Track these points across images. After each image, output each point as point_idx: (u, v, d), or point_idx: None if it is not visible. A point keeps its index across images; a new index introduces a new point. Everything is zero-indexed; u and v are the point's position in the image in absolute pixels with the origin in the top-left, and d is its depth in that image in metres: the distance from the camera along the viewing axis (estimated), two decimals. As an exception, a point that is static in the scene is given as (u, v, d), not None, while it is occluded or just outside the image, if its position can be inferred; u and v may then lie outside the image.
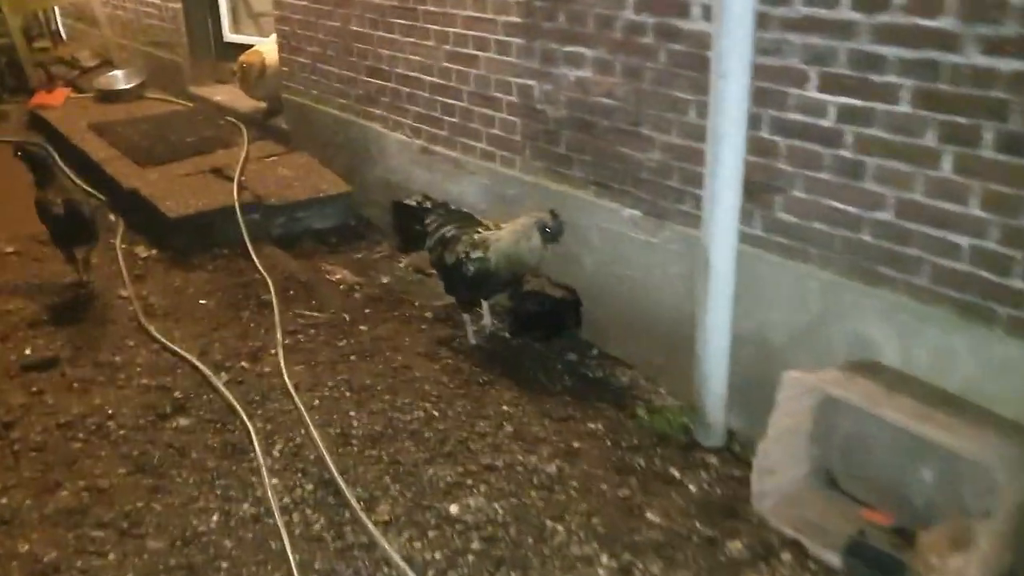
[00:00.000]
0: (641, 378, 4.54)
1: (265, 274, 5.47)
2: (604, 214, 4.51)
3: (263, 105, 7.45)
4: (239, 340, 4.80)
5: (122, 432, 4.05)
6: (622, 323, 4.59)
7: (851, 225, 3.48)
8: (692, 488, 3.73)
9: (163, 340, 4.76)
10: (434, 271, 4.97)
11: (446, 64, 5.27)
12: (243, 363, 4.58)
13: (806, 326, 3.72)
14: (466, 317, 4.84)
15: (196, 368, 4.51)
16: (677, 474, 3.81)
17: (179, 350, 4.65)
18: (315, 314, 5.11)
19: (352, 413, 4.17)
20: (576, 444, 3.98)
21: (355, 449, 3.92)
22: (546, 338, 4.79)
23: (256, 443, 3.91)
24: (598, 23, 4.27)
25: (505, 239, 4.51)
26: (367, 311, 5.17)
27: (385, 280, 5.62)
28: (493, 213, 5.13)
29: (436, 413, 4.18)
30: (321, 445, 3.87)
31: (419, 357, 4.67)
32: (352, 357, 4.65)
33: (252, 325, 4.97)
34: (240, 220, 5.85)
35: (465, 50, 5.09)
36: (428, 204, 4.89)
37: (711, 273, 3.78)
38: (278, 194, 6.15)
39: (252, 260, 5.65)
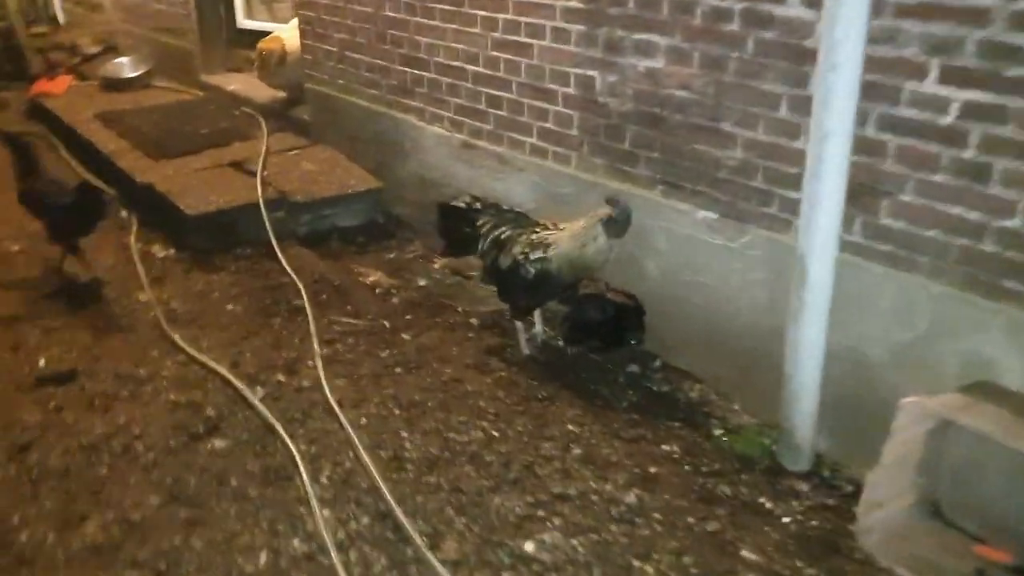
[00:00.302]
0: (712, 393, 4.20)
1: (295, 276, 5.10)
2: (673, 216, 4.15)
3: (282, 95, 7.07)
4: (272, 350, 4.43)
5: (152, 455, 3.68)
6: (690, 333, 4.24)
7: (972, 233, 3.14)
8: (786, 520, 3.39)
9: (190, 350, 4.39)
10: (483, 275, 4.60)
11: (494, 53, 4.90)
12: (279, 376, 4.21)
13: (910, 343, 3.38)
14: (519, 325, 4.48)
15: (228, 382, 4.14)
16: (768, 504, 3.47)
17: (208, 361, 4.28)
18: (352, 321, 4.74)
19: (403, 433, 3.80)
20: (653, 469, 3.63)
21: (411, 475, 3.56)
22: (604, 348, 4.43)
23: (302, 468, 3.54)
24: (674, 9, 3.90)
25: (567, 241, 4.15)
26: (408, 317, 4.80)
27: (422, 283, 5.25)
28: (544, 213, 4.76)
29: (495, 433, 3.82)
30: (374, 471, 3.51)
31: (469, 369, 4.31)
32: (397, 369, 4.29)
33: (285, 333, 4.60)
34: (265, 218, 5.46)
35: (516, 38, 4.71)
36: (478, 205, 4.52)
37: (807, 283, 3.43)
38: (303, 190, 5.77)
39: (278, 261, 5.28)
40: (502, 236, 4.34)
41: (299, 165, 6.13)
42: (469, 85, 5.14)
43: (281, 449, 3.70)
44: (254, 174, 5.85)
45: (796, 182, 3.62)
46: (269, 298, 4.95)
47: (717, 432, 3.91)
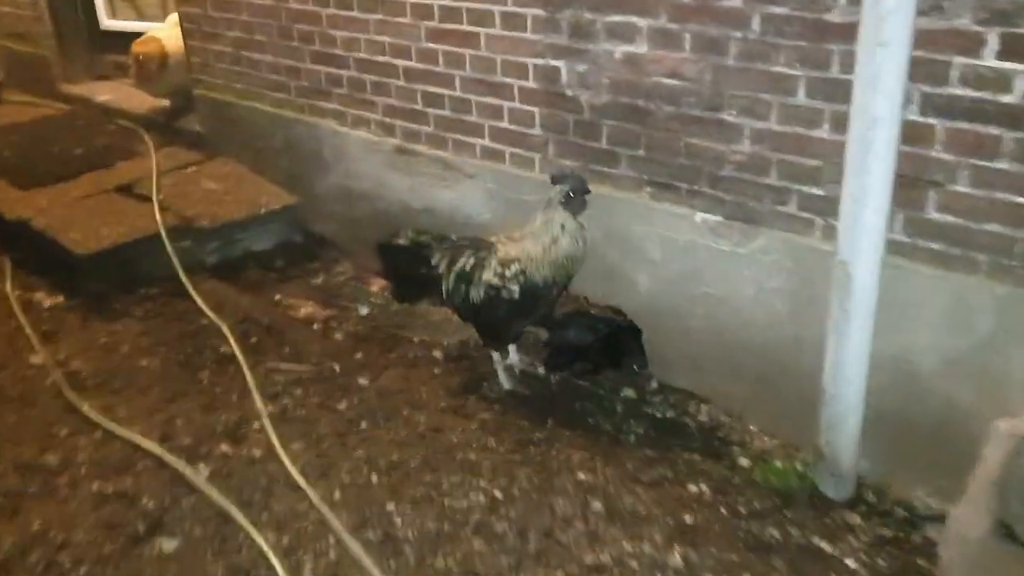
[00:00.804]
0: (721, 414, 3.75)
1: (215, 317, 4.37)
2: (667, 221, 3.66)
3: (165, 103, 6.21)
4: (207, 413, 3.73)
5: (83, 570, 2.95)
6: (692, 350, 3.77)
7: (1042, 225, 2.76)
8: (850, 563, 2.97)
9: (107, 423, 3.63)
10: (460, 316, 3.97)
11: (429, 45, 4.28)
12: (223, 446, 3.52)
13: (968, 350, 3.00)
14: (496, 357, 3.91)
15: (162, 461, 3.42)
16: (825, 545, 3.05)
17: (132, 436, 3.54)
18: (294, 367, 4.06)
19: (389, 506, 3.21)
20: (688, 518, 3.15)
21: (411, 560, 2.98)
22: (592, 372, 3.91)
23: (277, 565, 2.90)
24: (659, -16, 3.39)
25: (533, 243, 3.61)
26: (359, 356, 4.16)
27: (364, 311, 4.60)
28: (503, 223, 4.20)
29: (498, 493, 3.26)
30: (366, 559, 2.89)
31: (447, 414, 3.72)
32: (362, 424, 3.66)
33: (218, 390, 3.89)
34: (169, 250, 4.69)
35: (457, 26, 4.12)
36: (425, 238, 3.90)
37: (852, 291, 3.00)
38: (209, 213, 5.01)
39: (192, 300, 4.54)
40: (466, 268, 3.75)
41: (199, 184, 5.35)
42: (400, 83, 4.50)
43: (246, 542, 3.04)
44: (149, 199, 5.04)
45: (817, 176, 3.20)
46: (190, 347, 4.21)
47: (743, 462, 3.47)
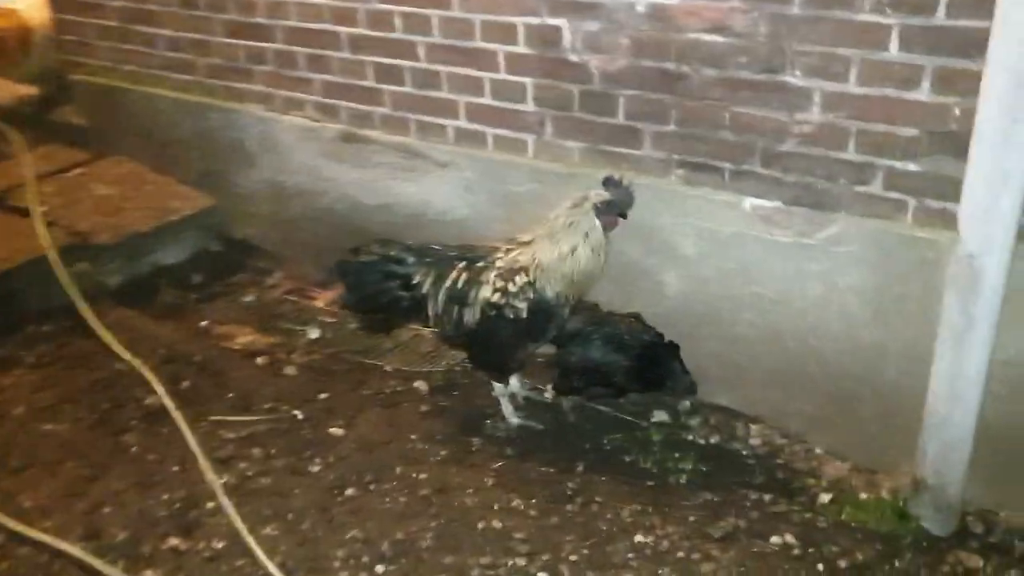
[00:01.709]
0: (777, 436, 3.15)
1: (130, 358, 3.49)
2: (705, 209, 3.00)
3: (33, 91, 5.13)
4: (143, 493, 2.89)
5: None
6: (737, 360, 3.15)
7: None
8: (993, 626, 2.38)
9: (8, 521, 2.74)
10: (448, 344, 3.23)
11: (382, 6, 3.47)
12: (171, 540, 2.70)
13: (1109, 351, 2.44)
14: (499, 388, 3.18)
15: (90, 569, 2.56)
16: (955, 603, 2.45)
17: (45, 537, 2.66)
18: (246, 418, 3.23)
19: (409, 605, 2.44)
20: (785, 584, 2.51)
21: None
22: (616, 396, 3.24)
23: None
24: (698, -88, 2.69)
25: (548, 250, 2.90)
26: (324, 397, 3.36)
27: (314, 335, 3.79)
28: (487, 222, 3.47)
29: (543, 567, 2.54)
30: None
31: (452, 467, 3.00)
32: (348, 491, 2.89)
33: (152, 459, 3.05)
34: (62, 275, 3.76)
35: (420, -20, 3.32)
36: (396, 252, 3.13)
37: (981, 292, 2.40)
38: (108, 226, 4.11)
39: (98, 337, 3.62)
40: (458, 284, 3.00)
41: (89, 190, 4.39)
42: (345, 54, 3.68)
43: None
44: (27, 213, 4.07)
45: (912, 149, 2.60)
46: (105, 401, 3.34)
47: (823, 498, 2.85)
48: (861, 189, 2.73)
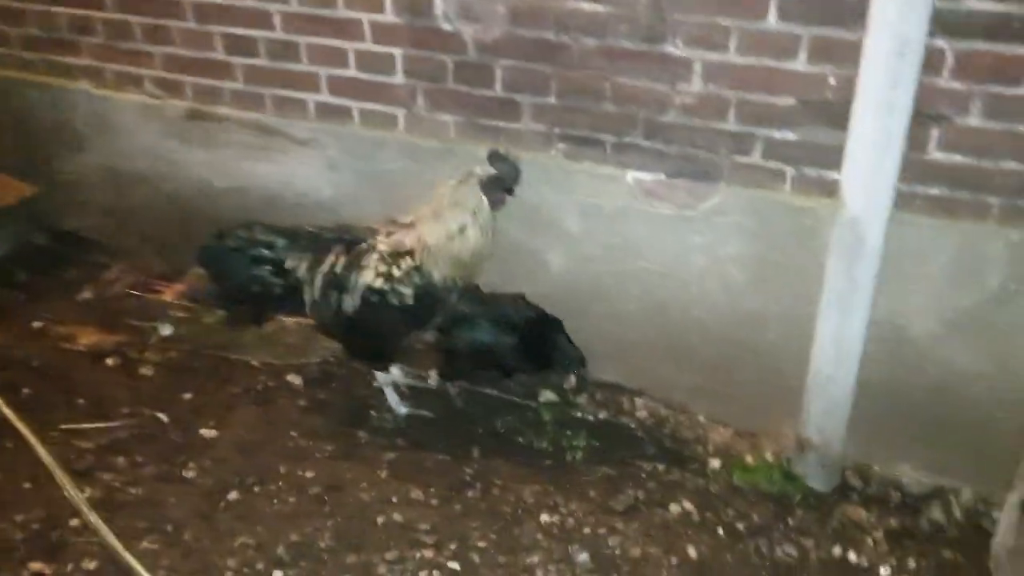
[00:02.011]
0: (661, 407, 3.19)
1: (-43, 367, 3.11)
2: (588, 184, 2.98)
3: None
4: (-8, 514, 2.56)
5: None
6: (623, 336, 3.16)
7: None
8: (886, 573, 2.53)
9: None
10: (325, 332, 3.04)
11: (232, -29, 3.23)
12: (34, 565, 2.40)
13: (972, 308, 2.63)
14: (382, 378, 3.05)
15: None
16: (851, 556, 2.61)
17: None
18: (101, 425, 2.95)
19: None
20: (692, 552, 2.57)
21: None
22: (503, 377, 3.18)
23: None
24: None
25: (434, 230, 2.80)
26: (188, 397, 3.12)
27: (167, 331, 3.50)
28: (355, 206, 3.32)
29: (455, 565, 2.49)
30: None
31: (342, 462, 2.86)
32: (231, 495, 2.69)
33: (-2, 477, 2.71)
34: None
35: (275, -56, 3.11)
36: (263, 235, 2.94)
37: (864, 254, 2.50)
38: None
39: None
40: (336, 269, 2.84)
41: None
42: (190, 24, 3.40)
43: None
44: None
45: (790, 118, 2.66)
46: (-70, 416, 2.94)
47: (713, 464, 2.91)
48: (741, 159, 2.77)
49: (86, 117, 3.75)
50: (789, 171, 2.73)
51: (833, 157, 2.60)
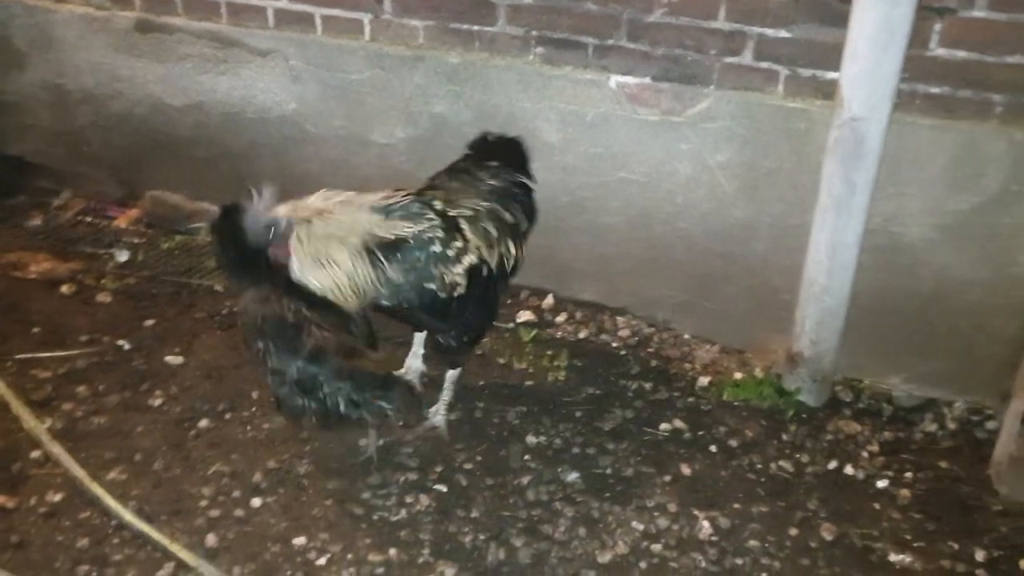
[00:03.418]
0: (644, 325, 3.09)
1: (-100, 298, 2.92)
2: (568, 91, 2.83)
3: None
4: (-58, 450, 2.40)
5: None
6: (603, 252, 3.05)
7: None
8: (885, 486, 2.48)
9: None
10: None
11: None
12: (-7, 500, 2.25)
13: (971, 212, 2.55)
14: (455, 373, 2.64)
15: None
16: (848, 469, 2.53)
17: None
18: (59, 354, 2.78)
19: (299, 541, 2.22)
20: (686, 470, 2.49)
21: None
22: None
23: None
24: None
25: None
26: (150, 324, 2.96)
27: (123, 257, 3.33)
28: (321, 121, 3.14)
29: (443, 488, 2.38)
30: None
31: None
32: (201, 423, 2.56)
33: (-55, 408, 2.54)
34: None
35: None
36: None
37: (864, 156, 2.39)
38: None
39: None
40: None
41: None
42: (135, -74, 3.15)
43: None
44: None
45: (784, 15, 2.53)
46: None
47: (703, 382, 2.82)
48: (731, 60, 2.64)
49: (26, 31, 3.50)
50: (782, 72, 2.61)
51: (830, 56, 2.48)
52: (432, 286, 2.26)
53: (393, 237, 2.23)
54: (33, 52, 3.53)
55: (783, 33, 2.55)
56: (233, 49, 3.21)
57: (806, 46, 2.54)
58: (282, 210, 2.18)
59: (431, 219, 2.32)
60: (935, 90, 2.47)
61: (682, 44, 2.66)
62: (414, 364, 2.71)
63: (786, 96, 2.62)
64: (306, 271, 2.16)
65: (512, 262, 2.47)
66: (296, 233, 2.17)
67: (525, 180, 2.57)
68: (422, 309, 2.28)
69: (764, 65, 2.61)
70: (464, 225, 2.36)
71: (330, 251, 2.17)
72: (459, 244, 2.31)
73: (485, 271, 2.37)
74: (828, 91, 2.52)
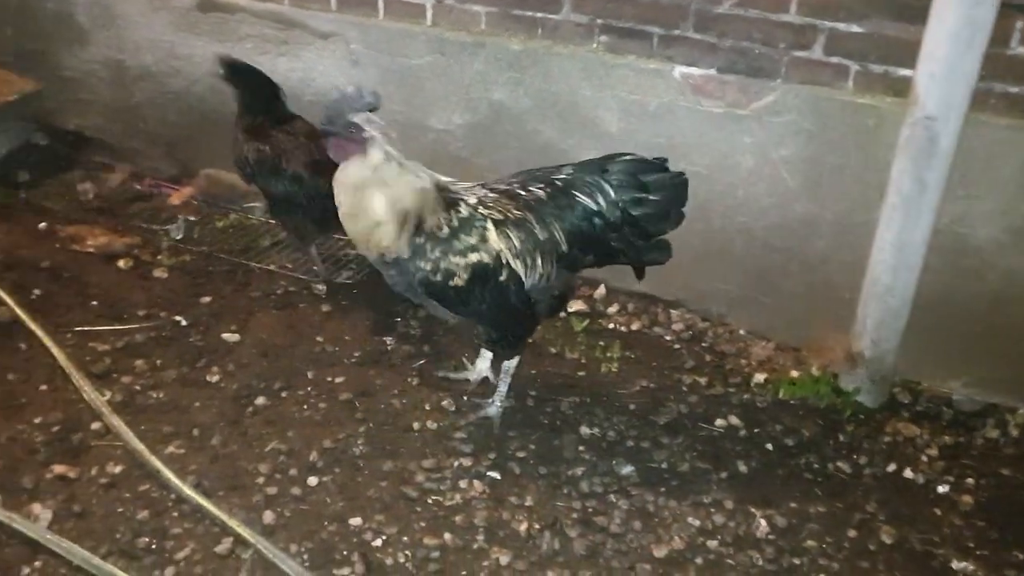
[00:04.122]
0: (698, 320, 3.06)
1: (-37, 267, 2.96)
2: (631, 80, 2.81)
3: None
4: (9, 418, 2.48)
5: None
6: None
7: None
8: (946, 491, 2.43)
9: None
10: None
11: None
12: (56, 468, 2.29)
13: (1043, 212, 2.47)
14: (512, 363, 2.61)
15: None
16: (907, 472, 2.49)
17: None
18: (118, 327, 2.80)
19: (355, 521, 2.22)
20: (742, 467, 2.47)
21: None
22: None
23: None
24: None
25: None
26: (206, 301, 3.00)
27: (178, 234, 3.36)
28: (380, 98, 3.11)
29: (496, 474, 2.36)
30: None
31: (371, 369, 2.74)
32: (258, 400, 2.57)
33: (12, 378, 2.61)
34: None
35: None
36: None
37: (936, 155, 2.34)
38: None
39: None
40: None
41: None
42: (202, -95, 3.16)
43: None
44: None
45: (857, 9, 2.48)
46: (-63, 316, 2.80)
47: (759, 379, 2.79)
48: (801, 54, 2.60)
49: (89, 8, 3.53)
50: (853, 67, 2.57)
51: (903, 52, 2.44)
52: (425, 266, 2.22)
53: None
54: (95, 29, 3.56)
55: (855, 28, 2.51)
56: (294, 31, 3.21)
57: (878, 41, 2.50)
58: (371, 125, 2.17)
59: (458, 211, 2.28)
60: (1013, 90, 2.42)
61: (750, 37, 2.63)
62: (481, 365, 2.70)
63: (855, 92, 2.58)
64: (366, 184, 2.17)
65: (543, 281, 2.34)
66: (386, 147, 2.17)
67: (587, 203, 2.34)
68: (418, 289, 2.27)
69: (834, 60, 2.57)
70: (489, 226, 2.28)
71: (399, 183, 2.18)
72: (472, 240, 2.26)
73: (503, 277, 2.28)
74: (900, 88, 2.48)
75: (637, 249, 2.38)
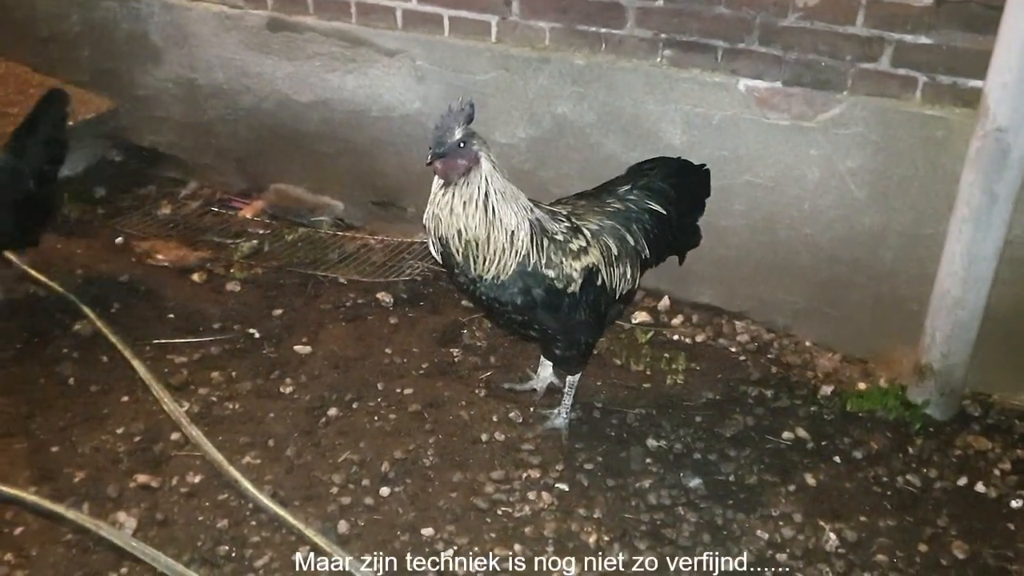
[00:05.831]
0: (763, 331, 3.06)
1: (47, 281, 3.07)
2: (696, 93, 2.82)
3: None
4: (93, 428, 2.55)
5: None
6: (724, 255, 3.02)
7: None
8: (1018, 505, 2.41)
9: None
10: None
11: None
12: (139, 477, 2.37)
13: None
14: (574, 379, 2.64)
15: (51, 516, 2.22)
16: (979, 487, 2.46)
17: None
18: (194, 340, 2.89)
19: (427, 532, 2.27)
20: (810, 479, 2.46)
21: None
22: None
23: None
24: None
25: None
26: (278, 314, 3.07)
27: (250, 248, 3.43)
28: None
29: (564, 487, 2.39)
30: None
31: (439, 380, 2.79)
32: (330, 411, 2.63)
33: (95, 389, 2.69)
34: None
35: None
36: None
37: (1008, 167, 2.32)
38: (-7, 133, 3.54)
39: (8, 262, 3.17)
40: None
41: (-37, 94, 3.81)
42: (272, -72, 3.25)
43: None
44: None
45: (925, 20, 2.47)
46: (26, 330, 2.92)
47: (825, 391, 2.78)
48: (867, 66, 2.60)
49: (161, 28, 3.64)
50: (921, 79, 2.55)
51: (972, 63, 2.42)
52: (551, 273, 2.27)
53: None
54: (168, 48, 3.67)
55: (923, 39, 2.50)
56: (361, 48, 3.29)
57: (947, 53, 2.49)
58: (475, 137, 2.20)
59: (560, 220, 2.35)
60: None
61: (816, 49, 2.63)
62: (543, 373, 2.73)
63: (923, 103, 2.57)
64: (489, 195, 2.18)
65: (626, 286, 2.47)
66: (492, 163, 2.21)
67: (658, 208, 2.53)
68: (536, 301, 2.28)
69: (902, 71, 2.56)
70: (586, 232, 2.37)
71: (500, 202, 2.20)
72: (581, 243, 2.33)
73: (600, 281, 2.37)
74: (969, 99, 2.47)
75: (684, 238, 2.64)
